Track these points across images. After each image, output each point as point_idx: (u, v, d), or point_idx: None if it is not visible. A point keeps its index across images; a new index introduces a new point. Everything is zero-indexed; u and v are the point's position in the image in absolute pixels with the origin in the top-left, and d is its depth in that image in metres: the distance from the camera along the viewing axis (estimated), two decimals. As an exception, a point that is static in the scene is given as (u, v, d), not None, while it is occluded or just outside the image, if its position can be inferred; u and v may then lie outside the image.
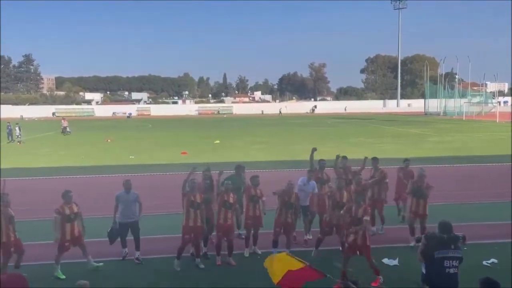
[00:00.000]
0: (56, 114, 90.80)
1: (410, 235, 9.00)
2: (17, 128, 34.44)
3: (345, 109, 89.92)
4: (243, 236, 9.31)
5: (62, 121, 43.90)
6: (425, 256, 5.62)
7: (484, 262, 8.02)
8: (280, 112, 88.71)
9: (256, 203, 8.92)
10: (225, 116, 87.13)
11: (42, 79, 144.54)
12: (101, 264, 8.30)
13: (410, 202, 9.28)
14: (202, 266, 8.28)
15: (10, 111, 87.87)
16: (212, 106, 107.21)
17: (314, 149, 10.31)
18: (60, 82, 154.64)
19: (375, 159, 10.44)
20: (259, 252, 9.06)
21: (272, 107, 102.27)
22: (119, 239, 8.74)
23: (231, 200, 8.51)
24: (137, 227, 8.64)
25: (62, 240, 7.91)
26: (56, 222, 7.88)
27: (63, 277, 7.88)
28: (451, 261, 5.48)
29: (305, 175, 9.75)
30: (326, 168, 10.18)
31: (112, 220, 8.71)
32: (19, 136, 34.03)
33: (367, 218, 7.43)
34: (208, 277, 7.93)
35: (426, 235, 5.87)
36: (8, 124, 35.56)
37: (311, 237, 9.68)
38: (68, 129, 41.96)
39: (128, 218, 8.61)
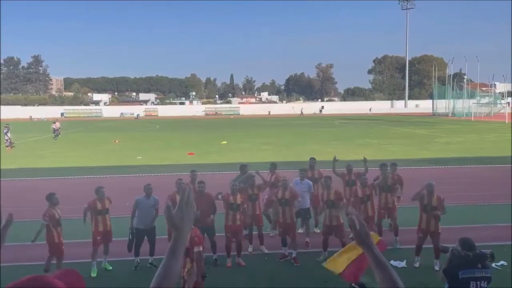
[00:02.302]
0: (65, 115, 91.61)
1: (416, 255, 8.28)
2: (7, 132, 30.17)
3: (370, 110, 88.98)
4: (247, 237, 9.35)
5: (53, 124, 38.98)
6: (448, 276, 5.02)
7: (493, 265, 7.94)
8: (301, 112, 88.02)
9: (254, 202, 8.94)
10: (232, 116, 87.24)
11: (51, 80, 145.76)
12: (110, 268, 8.37)
13: (419, 217, 8.32)
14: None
15: (19, 112, 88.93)
16: (219, 107, 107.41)
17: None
18: (68, 83, 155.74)
19: (393, 165, 10.01)
20: (266, 251, 9.10)
21: (279, 108, 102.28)
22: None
23: (238, 201, 8.50)
24: (154, 234, 8.48)
25: (94, 233, 8.22)
26: (86, 214, 8.24)
27: (95, 275, 8.06)
28: (478, 282, 4.88)
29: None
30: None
31: (129, 225, 8.51)
32: (8, 140, 30.13)
33: (198, 249, 6.09)
34: (214, 277, 7.94)
35: (451, 250, 5.18)
36: (6, 126, 31.37)
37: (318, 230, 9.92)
38: (55, 132, 37.76)
39: (145, 224, 8.40)
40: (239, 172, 10.12)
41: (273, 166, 10.29)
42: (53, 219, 7.77)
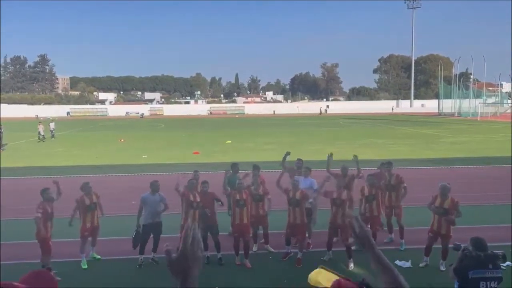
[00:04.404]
0: (71, 114, 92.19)
1: (425, 255, 8.20)
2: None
3: (393, 109, 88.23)
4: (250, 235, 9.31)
5: (38, 126, 35.70)
6: (458, 275, 5.01)
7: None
8: (320, 112, 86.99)
9: (259, 202, 8.93)
10: (237, 116, 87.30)
11: (57, 79, 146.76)
12: (99, 257, 8.51)
13: (432, 218, 8.17)
14: None
15: (26, 111, 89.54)
16: (224, 106, 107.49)
17: (287, 153, 10.24)
18: (74, 82, 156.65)
19: (389, 163, 9.87)
20: (272, 249, 9.10)
21: (284, 107, 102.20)
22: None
23: (244, 198, 8.52)
24: (159, 229, 8.48)
25: (83, 228, 8.31)
26: (76, 211, 8.32)
27: (85, 266, 8.19)
28: (488, 283, 4.88)
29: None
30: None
31: (136, 222, 8.52)
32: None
33: None
34: (218, 276, 7.97)
35: (462, 250, 5.17)
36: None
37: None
38: (42, 133, 34.94)
39: (152, 219, 8.42)
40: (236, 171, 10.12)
41: (256, 168, 10.13)
42: (46, 213, 7.81)
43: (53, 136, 36.74)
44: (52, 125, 37.64)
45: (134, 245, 8.47)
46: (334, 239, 8.86)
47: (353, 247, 8.75)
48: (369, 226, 9.13)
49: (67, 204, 8.48)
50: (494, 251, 5.06)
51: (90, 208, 8.33)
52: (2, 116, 67.39)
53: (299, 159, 10.52)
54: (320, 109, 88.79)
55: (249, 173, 9.67)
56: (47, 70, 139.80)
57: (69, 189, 9.31)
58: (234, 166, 10.10)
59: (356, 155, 9.96)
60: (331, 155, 10.09)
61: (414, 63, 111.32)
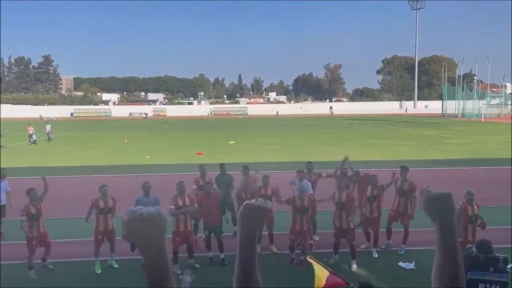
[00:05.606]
0: (74, 115, 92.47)
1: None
2: None
3: (406, 110, 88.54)
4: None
5: (29, 127, 32.99)
6: None
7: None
8: (331, 112, 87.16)
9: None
10: (240, 117, 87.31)
11: (60, 79, 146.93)
12: (116, 266, 8.40)
13: (463, 228, 7.83)
14: (197, 265, 8.23)
15: (30, 111, 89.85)
16: (227, 107, 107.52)
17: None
18: (78, 83, 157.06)
19: (404, 168, 9.44)
20: (275, 250, 9.06)
21: (287, 108, 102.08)
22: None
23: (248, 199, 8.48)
24: None
25: (95, 232, 8.28)
26: (91, 212, 8.34)
27: (99, 271, 8.12)
28: (488, 285, 4.84)
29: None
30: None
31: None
32: None
33: None
34: (220, 277, 7.94)
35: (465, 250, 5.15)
36: None
37: (317, 238, 9.68)
38: (34, 137, 32.31)
39: None
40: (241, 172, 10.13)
41: (245, 168, 9.96)
42: (29, 214, 7.81)
43: (49, 139, 34.51)
44: (48, 127, 34.87)
45: (131, 247, 8.42)
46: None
47: (362, 246, 8.69)
48: (369, 227, 9.11)
49: (68, 204, 8.47)
50: (497, 254, 5.01)
51: (103, 212, 8.26)
52: (7, 116, 67.60)
53: (309, 162, 10.62)
54: (331, 110, 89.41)
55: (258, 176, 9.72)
56: (51, 71, 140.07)
57: (70, 189, 9.30)
58: (222, 166, 10.19)
59: (346, 156, 10.16)
60: (346, 158, 10.18)
61: (418, 64, 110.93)
